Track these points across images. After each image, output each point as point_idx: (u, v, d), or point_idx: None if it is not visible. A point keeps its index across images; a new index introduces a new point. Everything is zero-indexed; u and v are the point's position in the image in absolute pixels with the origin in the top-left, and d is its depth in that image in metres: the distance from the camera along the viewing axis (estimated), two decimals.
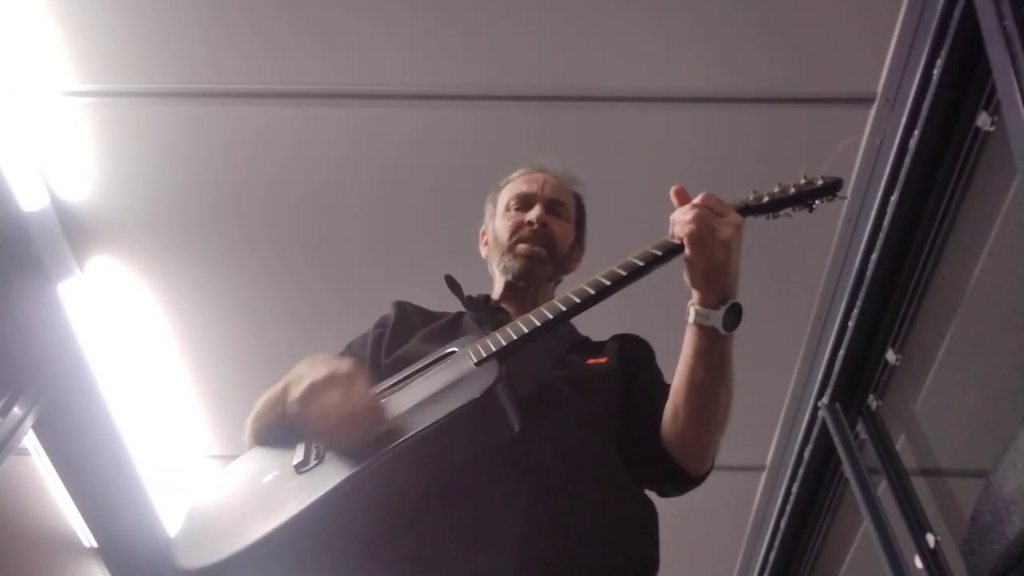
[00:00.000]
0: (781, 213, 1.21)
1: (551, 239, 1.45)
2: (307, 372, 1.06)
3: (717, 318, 1.11)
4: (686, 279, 1.14)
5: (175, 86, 2.15)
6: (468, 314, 1.41)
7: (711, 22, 2.04)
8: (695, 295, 1.14)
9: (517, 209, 1.48)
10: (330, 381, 1.02)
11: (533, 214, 1.45)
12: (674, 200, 1.17)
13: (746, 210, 1.18)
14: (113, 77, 2.13)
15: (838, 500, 2.74)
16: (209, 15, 2.05)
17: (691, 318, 1.14)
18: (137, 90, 2.16)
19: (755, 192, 1.21)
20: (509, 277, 1.44)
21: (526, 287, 1.45)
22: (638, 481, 1.22)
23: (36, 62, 2.10)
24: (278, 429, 1.16)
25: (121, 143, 2.24)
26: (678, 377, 1.18)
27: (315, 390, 1.01)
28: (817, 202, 1.20)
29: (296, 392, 1.03)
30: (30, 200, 2.24)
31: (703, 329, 1.14)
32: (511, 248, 1.45)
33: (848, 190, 2.23)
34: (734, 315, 1.12)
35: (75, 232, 2.38)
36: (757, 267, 2.34)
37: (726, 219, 1.10)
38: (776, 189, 1.20)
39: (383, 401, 1.14)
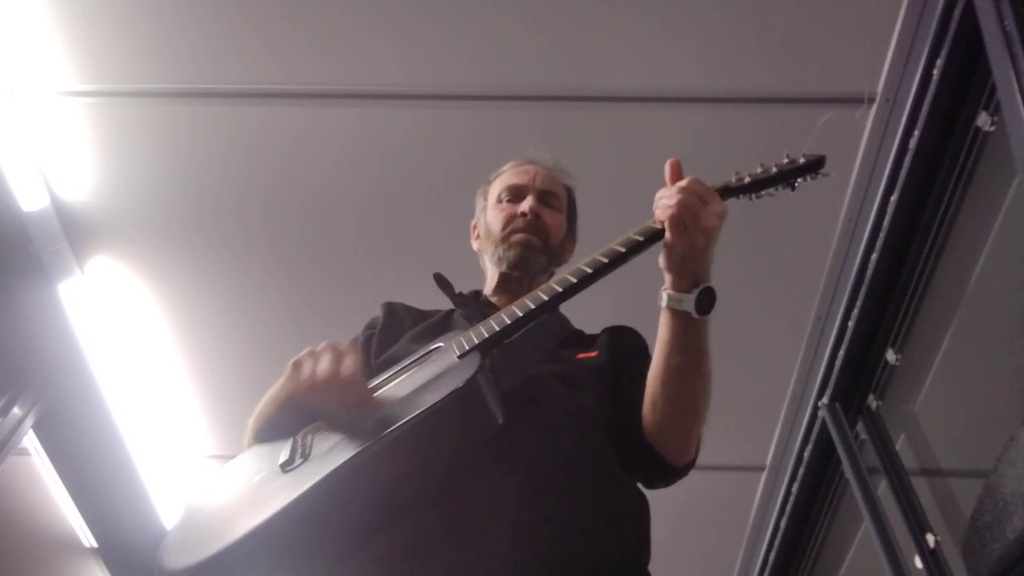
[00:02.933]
0: (763, 193, 1.20)
1: (544, 229, 1.45)
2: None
3: (689, 302, 1.10)
4: (661, 262, 1.13)
5: (175, 86, 2.15)
6: (458, 311, 1.41)
7: (711, 22, 2.04)
8: (668, 279, 1.13)
9: (509, 200, 1.48)
10: (325, 350, 1.08)
11: (526, 204, 1.44)
12: (667, 172, 1.16)
13: (728, 192, 1.17)
14: (113, 77, 2.13)
15: (838, 500, 2.74)
16: (209, 15, 2.05)
17: (663, 302, 1.14)
18: (137, 90, 2.16)
19: (737, 173, 1.19)
20: (504, 267, 1.44)
21: (520, 278, 1.44)
22: (628, 473, 1.22)
23: (36, 62, 2.10)
24: (278, 424, 1.17)
25: (121, 143, 2.24)
26: (654, 364, 1.18)
27: (310, 356, 1.08)
28: (799, 181, 1.19)
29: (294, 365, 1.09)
30: (30, 200, 2.24)
31: (676, 313, 1.13)
32: (505, 238, 1.44)
33: (848, 190, 2.23)
34: (707, 299, 1.11)
35: (75, 232, 2.38)
36: (757, 267, 2.34)
37: (710, 207, 1.10)
38: (758, 169, 1.19)
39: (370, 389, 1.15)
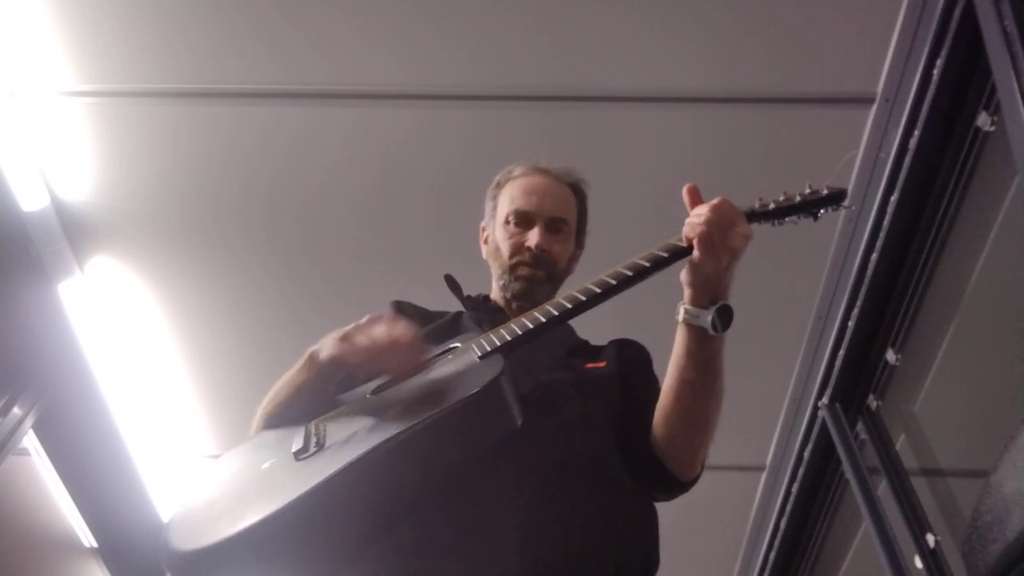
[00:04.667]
0: (786, 220, 1.23)
1: (551, 263, 1.43)
2: (333, 333, 1.14)
3: (706, 318, 1.13)
4: (683, 276, 1.15)
5: (175, 86, 2.15)
6: (467, 314, 1.41)
7: (711, 22, 2.04)
8: (687, 293, 1.16)
9: (516, 225, 1.44)
10: (367, 323, 1.12)
11: (533, 239, 1.41)
12: (686, 197, 1.18)
13: (752, 217, 1.20)
14: (113, 77, 2.13)
15: (838, 500, 2.74)
16: (209, 15, 2.05)
17: (680, 316, 1.16)
18: (137, 90, 2.16)
19: (761, 200, 1.22)
20: (508, 295, 1.44)
21: (523, 305, 1.43)
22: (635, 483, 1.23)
23: (36, 62, 2.10)
24: (291, 409, 1.17)
25: (121, 143, 2.24)
26: (668, 378, 1.20)
27: (358, 329, 1.11)
28: (822, 211, 1.23)
29: (334, 340, 1.11)
30: (30, 200, 2.24)
31: (692, 328, 1.15)
32: (511, 269, 1.42)
33: (848, 190, 2.23)
34: (724, 316, 1.14)
35: (75, 232, 2.38)
36: (758, 267, 2.34)
37: (738, 229, 1.13)
38: (781, 197, 1.22)
39: (386, 392, 1.15)
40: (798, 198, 1.22)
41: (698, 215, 1.13)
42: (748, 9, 2.02)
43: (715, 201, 1.14)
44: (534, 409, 1.10)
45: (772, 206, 1.21)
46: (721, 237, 1.11)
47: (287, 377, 1.21)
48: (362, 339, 1.10)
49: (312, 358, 1.17)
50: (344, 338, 1.11)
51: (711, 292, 1.14)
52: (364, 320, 1.12)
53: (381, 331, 1.10)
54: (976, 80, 1.87)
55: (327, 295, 2.50)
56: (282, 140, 2.25)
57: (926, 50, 1.93)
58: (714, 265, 1.12)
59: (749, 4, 2.02)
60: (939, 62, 1.90)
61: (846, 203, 1.23)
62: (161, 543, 0.98)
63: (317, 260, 2.47)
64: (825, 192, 1.22)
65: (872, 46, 2.02)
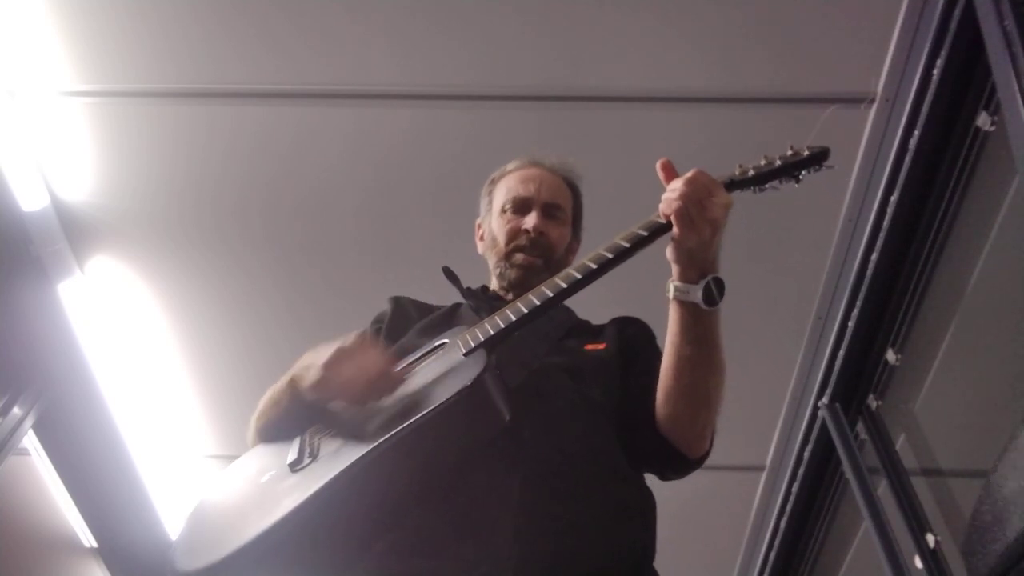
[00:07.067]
0: (767, 186, 1.19)
1: (548, 247, 1.43)
2: (315, 358, 1.10)
3: (696, 292, 1.11)
4: (668, 254, 1.14)
5: (175, 86, 2.15)
6: (466, 304, 1.41)
7: (711, 22, 2.04)
8: (675, 270, 1.14)
9: (514, 212, 1.45)
10: (340, 355, 1.07)
11: (530, 222, 1.41)
12: (660, 173, 1.16)
13: (732, 185, 1.16)
14: (113, 77, 2.13)
15: (838, 500, 2.74)
16: (209, 15, 2.05)
17: (671, 294, 1.14)
18: (137, 90, 2.16)
19: (741, 166, 1.18)
20: (504, 284, 1.43)
21: (520, 294, 1.44)
22: (638, 467, 1.22)
23: (36, 62, 2.10)
24: (281, 425, 1.17)
25: (121, 143, 2.24)
26: (666, 356, 1.18)
27: (329, 367, 1.07)
28: (804, 173, 1.18)
29: (311, 376, 1.08)
30: (30, 200, 2.24)
31: (684, 304, 1.14)
32: (508, 256, 1.42)
33: (848, 190, 2.23)
34: (715, 289, 1.12)
35: (75, 232, 2.38)
36: (757, 267, 2.34)
37: (716, 199, 1.10)
38: (762, 162, 1.18)
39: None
40: (779, 161, 1.17)
41: (673, 190, 1.11)
42: (748, 9, 2.02)
43: (689, 174, 1.11)
44: (525, 400, 1.10)
45: (752, 172, 1.17)
46: (699, 210, 1.08)
47: (273, 395, 1.20)
48: (336, 377, 1.07)
49: (293, 385, 1.15)
50: (320, 384, 1.08)
51: (698, 266, 1.12)
52: (329, 358, 1.08)
53: (352, 366, 1.07)
54: (976, 80, 1.87)
55: (326, 294, 2.50)
56: (282, 140, 2.25)
57: (926, 50, 1.93)
58: (696, 239, 1.09)
59: (749, 4, 2.02)
60: (939, 62, 1.90)
61: (829, 162, 1.17)
62: (168, 564, 0.99)
63: (316, 259, 2.47)
64: (806, 152, 1.17)
65: (872, 46, 2.02)
